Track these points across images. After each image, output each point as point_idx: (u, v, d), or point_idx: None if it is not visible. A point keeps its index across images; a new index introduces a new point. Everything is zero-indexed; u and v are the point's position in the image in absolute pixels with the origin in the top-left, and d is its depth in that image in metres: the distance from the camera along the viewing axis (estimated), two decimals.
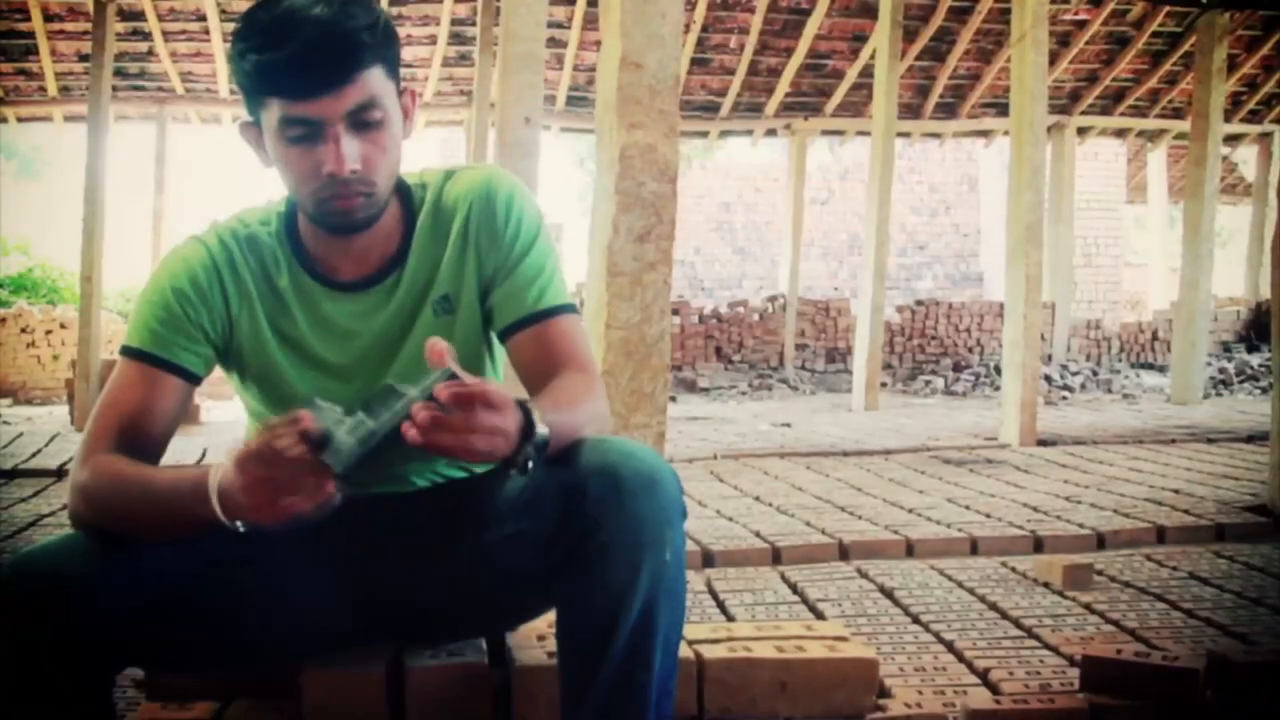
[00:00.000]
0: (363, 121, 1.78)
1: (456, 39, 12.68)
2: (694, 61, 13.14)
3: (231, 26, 11.75)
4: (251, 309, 1.93)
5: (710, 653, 2.05)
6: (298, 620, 1.88)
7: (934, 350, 14.90)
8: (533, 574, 1.77)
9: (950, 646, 3.08)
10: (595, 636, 1.66)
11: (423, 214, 1.97)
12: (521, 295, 1.95)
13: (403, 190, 1.98)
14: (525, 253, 1.96)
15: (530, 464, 1.66)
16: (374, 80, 1.78)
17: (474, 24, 11.90)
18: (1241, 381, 13.28)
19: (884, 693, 2.38)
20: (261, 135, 1.83)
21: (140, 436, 1.82)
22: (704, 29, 12.80)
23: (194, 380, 1.90)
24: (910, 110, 13.98)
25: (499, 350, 2.06)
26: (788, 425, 9.38)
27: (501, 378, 2.11)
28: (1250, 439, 7.87)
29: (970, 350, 14.96)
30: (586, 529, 1.67)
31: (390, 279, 1.95)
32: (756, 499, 5.43)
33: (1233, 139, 15.46)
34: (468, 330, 1.99)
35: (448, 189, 1.99)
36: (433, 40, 12.68)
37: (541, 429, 1.66)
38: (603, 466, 1.71)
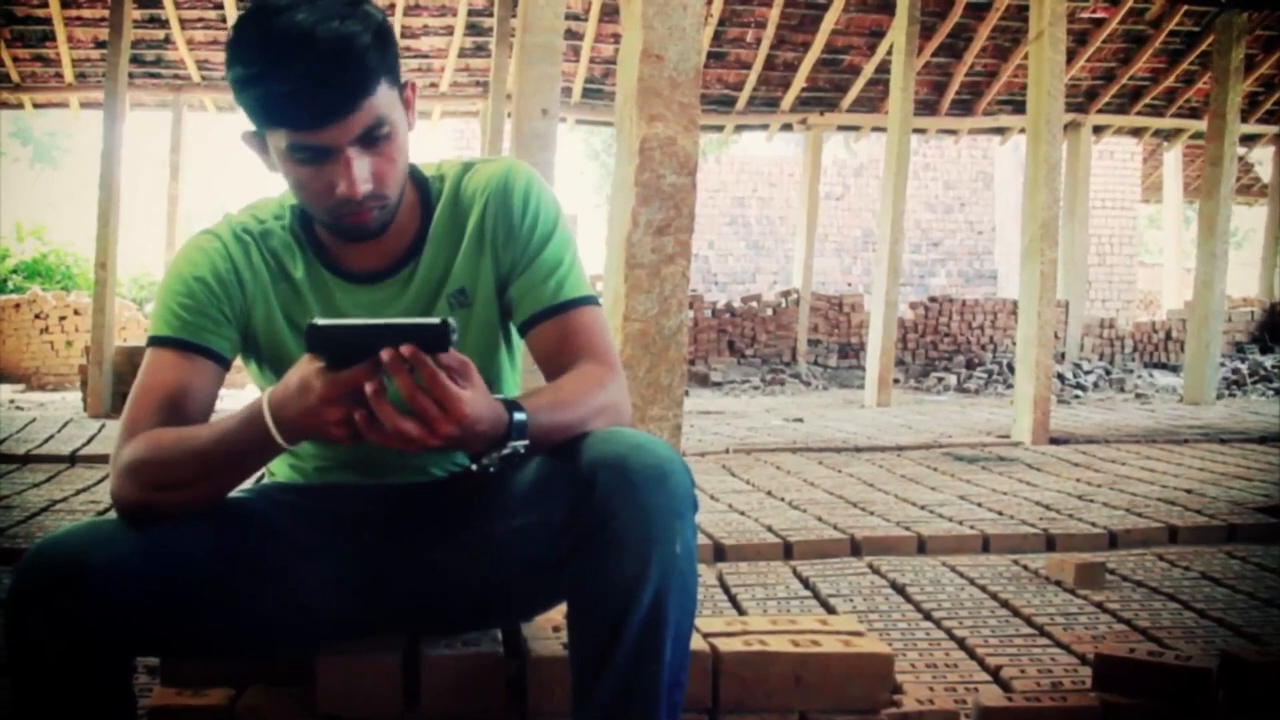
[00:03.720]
0: (372, 138, 1.76)
1: (473, 30, 12.68)
2: (710, 55, 13.12)
3: None
4: (266, 300, 1.93)
5: (726, 646, 2.05)
6: (313, 608, 1.88)
7: (947, 347, 14.88)
8: (543, 566, 1.77)
9: (962, 643, 3.08)
10: (605, 629, 1.66)
11: (440, 206, 1.97)
12: (540, 288, 1.93)
13: (420, 182, 1.98)
14: (543, 245, 1.94)
15: (493, 470, 1.70)
16: (380, 99, 1.75)
17: (491, 15, 11.91)
18: (1255, 382, 13.25)
19: (896, 689, 2.37)
20: (266, 146, 1.81)
21: (179, 419, 1.80)
22: (721, 22, 12.78)
23: (224, 364, 1.89)
24: (926, 106, 13.96)
25: (518, 345, 2.06)
26: (800, 420, 9.38)
27: (520, 372, 2.11)
28: (1263, 440, 7.87)
29: (983, 348, 14.94)
30: (596, 522, 1.67)
31: (405, 271, 1.95)
32: (768, 494, 5.44)
33: (1249, 139, 15.41)
34: (484, 324, 1.98)
35: (466, 181, 1.98)
36: (449, 31, 12.68)
37: (517, 443, 1.69)
38: (612, 458, 1.70)
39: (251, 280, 1.92)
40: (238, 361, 1.97)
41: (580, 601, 1.72)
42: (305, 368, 1.63)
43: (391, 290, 1.94)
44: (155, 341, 1.87)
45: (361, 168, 1.76)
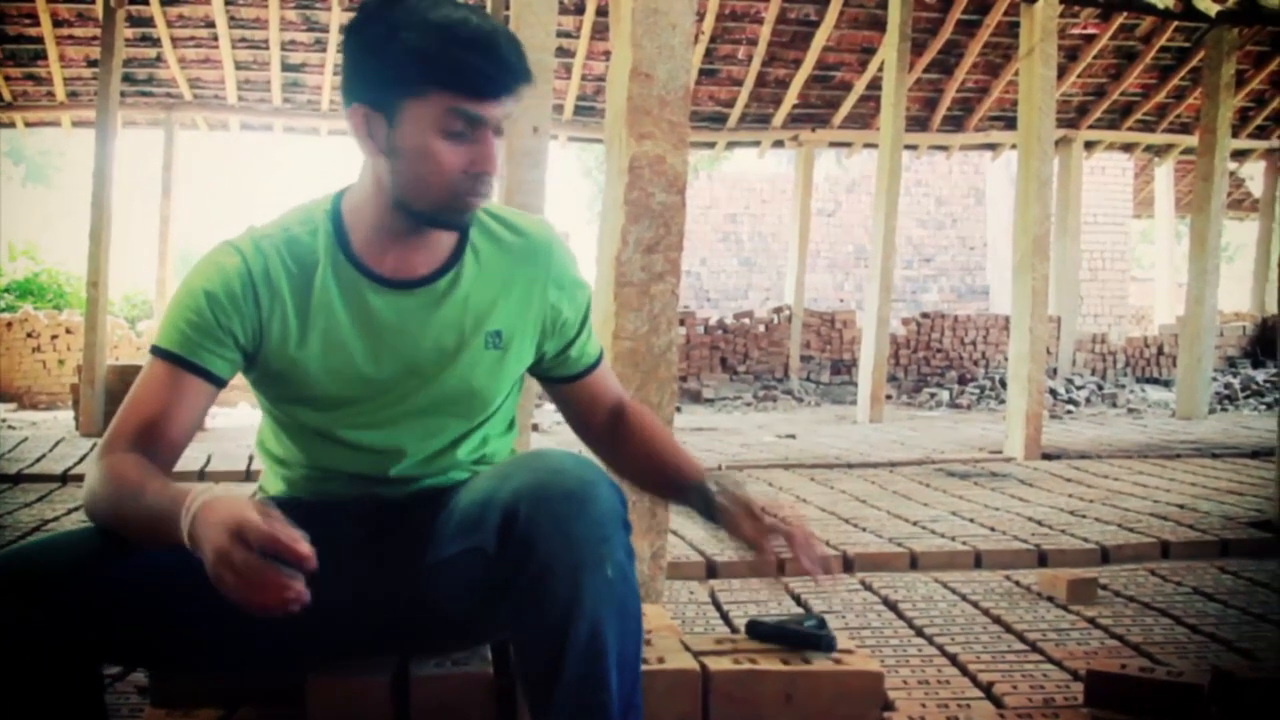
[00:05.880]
0: (499, 129, 1.85)
1: None
2: (702, 72, 13.16)
3: (240, 34, 11.86)
4: (284, 310, 1.92)
5: (715, 664, 2.04)
6: (290, 623, 1.88)
7: (939, 363, 14.89)
8: (485, 592, 1.78)
9: (954, 660, 3.07)
10: (546, 662, 1.65)
11: (476, 235, 2.01)
12: (581, 352, 2.14)
13: None
14: (588, 314, 2.15)
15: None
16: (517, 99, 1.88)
17: None
18: (1246, 397, 13.27)
19: (888, 705, 2.37)
20: (383, 123, 1.84)
21: (159, 437, 1.83)
22: (712, 40, 12.81)
23: (218, 384, 1.90)
24: (918, 123, 13.99)
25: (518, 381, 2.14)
26: (792, 437, 9.38)
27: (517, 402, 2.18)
28: (1255, 454, 7.87)
29: (975, 363, 14.95)
30: (523, 554, 1.67)
31: (441, 282, 1.96)
32: None
33: (1240, 154, 15.46)
34: (514, 366, 2.05)
35: (503, 222, 2.04)
36: None
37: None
38: (532, 488, 1.71)
39: (268, 295, 1.91)
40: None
41: (519, 634, 1.73)
42: (258, 507, 1.60)
43: (424, 299, 1.95)
44: (156, 351, 1.89)
45: (498, 150, 1.86)
